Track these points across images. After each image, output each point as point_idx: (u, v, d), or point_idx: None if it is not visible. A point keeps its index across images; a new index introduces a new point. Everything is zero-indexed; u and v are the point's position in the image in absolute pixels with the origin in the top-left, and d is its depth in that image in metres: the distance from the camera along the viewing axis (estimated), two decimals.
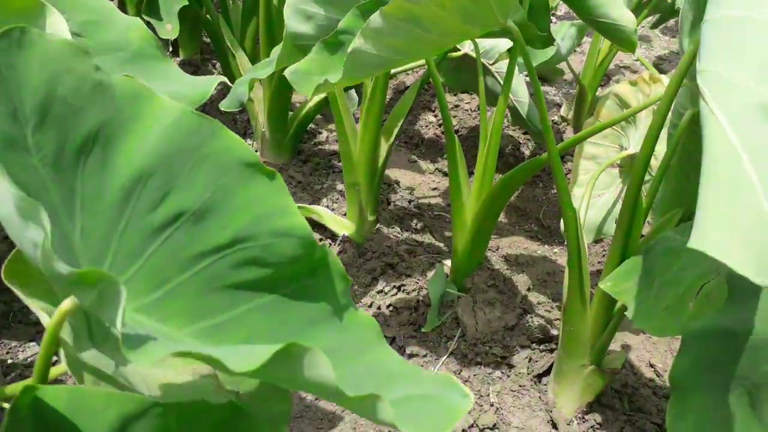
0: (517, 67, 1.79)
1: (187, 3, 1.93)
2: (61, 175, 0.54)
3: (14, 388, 0.61)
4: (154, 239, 0.57)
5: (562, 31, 1.99)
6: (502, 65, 1.75)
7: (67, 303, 0.47)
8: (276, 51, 1.15)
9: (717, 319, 0.58)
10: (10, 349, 1.18)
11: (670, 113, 1.06)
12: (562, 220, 1.17)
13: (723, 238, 0.45)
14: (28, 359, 1.16)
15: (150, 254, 0.57)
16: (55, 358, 1.16)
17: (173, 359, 0.66)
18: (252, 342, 0.57)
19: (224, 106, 1.22)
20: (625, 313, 0.89)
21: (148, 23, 2.06)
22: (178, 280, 0.57)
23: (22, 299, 0.59)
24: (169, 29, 1.93)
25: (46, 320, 0.56)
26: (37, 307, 0.59)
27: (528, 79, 1.89)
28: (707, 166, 0.50)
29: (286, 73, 0.89)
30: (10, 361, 1.16)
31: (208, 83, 0.95)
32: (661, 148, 1.39)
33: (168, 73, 0.97)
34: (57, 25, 0.78)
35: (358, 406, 0.45)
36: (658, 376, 1.29)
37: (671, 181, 1.11)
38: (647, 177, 1.43)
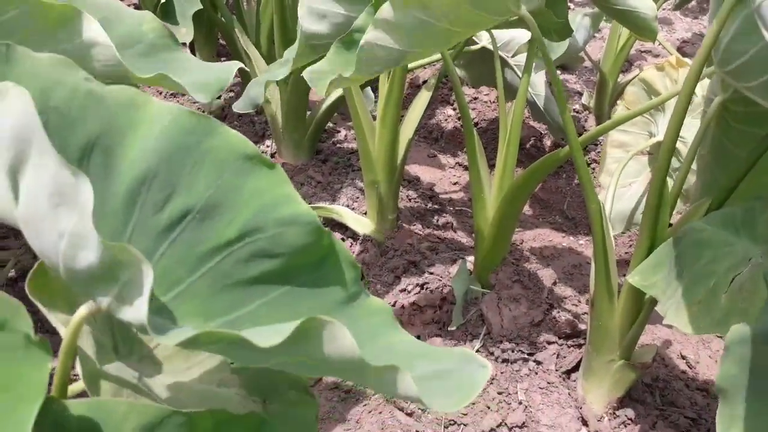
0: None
1: (201, 6, 1.94)
2: None
3: None
4: (163, 240, 0.58)
5: (576, 21, 1.94)
6: (521, 58, 1.72)
7: (84, 309, 0.47)
8: (290, 52, 1.14)
9: (761, 321, 0.56)
10: None
11: (701, 101, 1.03)
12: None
13: None
14: (51, 372, 1.17)
15: (160, 256, 0.57)
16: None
17: (195, 363, 0.66)
18: None
19: (238, 108, 1.18)
20: (656, 308, 0.87)
21: None
22: (189, 280, 0.57)
23: (43, 312, 0.59)
24: (184, 33, 1.94)
25: (64, 333, 0.56)
26: (57, 320, 0.59)
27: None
28: None
29: (305, 74, 0.91)
30: None
31: (227, 70, 0.96)
32: (690, 135, 1.35)
33: (186, 62, 0.99)
34: (93, 30, 0.81)
35: (379, 381, 0.47)
36: (691, 368, 1.26)
37: (702, 169, 1.08)
38: (678, 164, 1.40)
